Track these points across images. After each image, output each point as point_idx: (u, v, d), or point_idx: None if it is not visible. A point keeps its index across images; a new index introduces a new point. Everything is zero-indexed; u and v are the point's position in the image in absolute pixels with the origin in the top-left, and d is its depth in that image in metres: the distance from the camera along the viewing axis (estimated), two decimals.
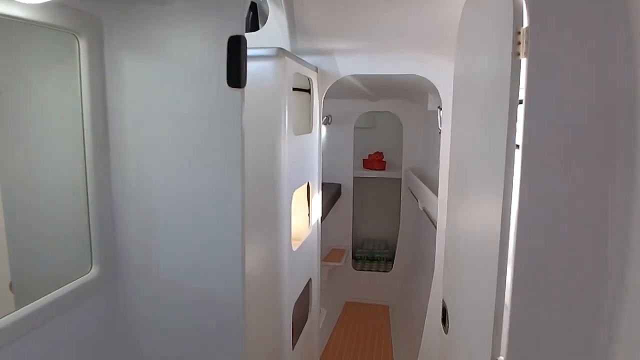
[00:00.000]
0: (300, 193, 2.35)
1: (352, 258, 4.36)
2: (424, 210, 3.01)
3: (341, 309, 3.87)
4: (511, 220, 0.91)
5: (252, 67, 1.72)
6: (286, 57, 1.65)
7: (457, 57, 1.41)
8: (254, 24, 2.35)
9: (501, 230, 0.91)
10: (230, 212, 1.13)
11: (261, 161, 1.69)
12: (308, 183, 2.27)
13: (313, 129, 2.23)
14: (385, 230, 4.84)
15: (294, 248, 1.94)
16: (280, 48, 1.63)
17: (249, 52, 1.75)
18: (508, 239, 0.92)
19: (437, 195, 2.26)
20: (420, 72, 2.14)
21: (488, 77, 1.03)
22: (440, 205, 2.19)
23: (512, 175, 0.90)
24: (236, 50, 1.07)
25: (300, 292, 2.08)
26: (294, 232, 2.32)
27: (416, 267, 3.68)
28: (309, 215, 2.37)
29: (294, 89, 2.30)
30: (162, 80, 1.15)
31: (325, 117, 4.02)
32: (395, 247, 4.22)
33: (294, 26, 1.99)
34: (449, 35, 1.90)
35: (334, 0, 1.78)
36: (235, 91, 1.08)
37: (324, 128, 4.12)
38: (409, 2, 1.72)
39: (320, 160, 2.37)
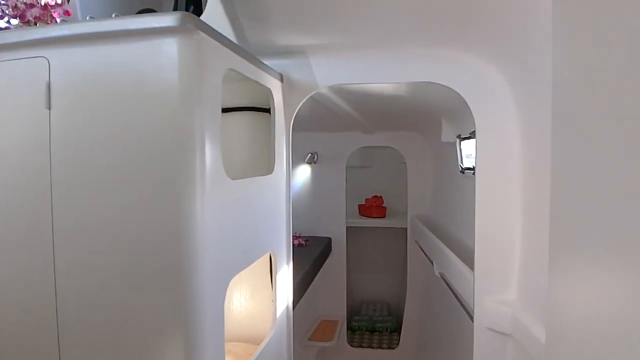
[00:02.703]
0: (258, 266, 1.54)
1: (348, 329, 3.47)
2: (442, 277, 2.17)
3: None
4: None
5: (130, 50, 0.95)
6: (201, 33, 0.88)
7: (555, 34, 0.66)
8: (196, 12, 1.63)
9: None
10: None
11: (152, 235, 0.88)
12: (270, 254, 1.46)
13: (276, 169, 1.43)
14: (388, 291, 3.98)
15: None
16: (189, 14, 0.86)
17: (125, 25, 0.97)
18: None
19: (472, 269, 1.44)
20: (440, 80, 1.37)
21: None
22: (479, 289, 1.37)
23: None
24: None
25: None
26: (240, 338, 1.48)
27: (431, 346, 2.79)
28: (273, 300, 1.53)
29: (241, 108, 1.52)
30: None
31: (309, 155, 3.25)
32: (400, 311, 3.38)
33: (234, 10, 1.25)
34: (488, 23, 1.15)
35: None
36: None
37: (307, 168, 3.34)
38: None
39: (289, 215, 1.56)
